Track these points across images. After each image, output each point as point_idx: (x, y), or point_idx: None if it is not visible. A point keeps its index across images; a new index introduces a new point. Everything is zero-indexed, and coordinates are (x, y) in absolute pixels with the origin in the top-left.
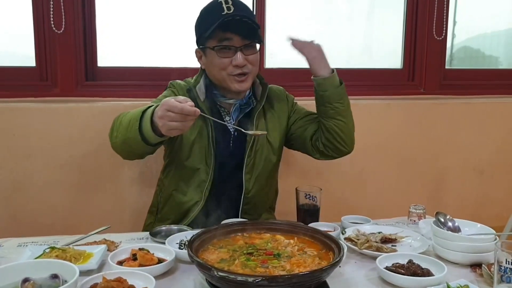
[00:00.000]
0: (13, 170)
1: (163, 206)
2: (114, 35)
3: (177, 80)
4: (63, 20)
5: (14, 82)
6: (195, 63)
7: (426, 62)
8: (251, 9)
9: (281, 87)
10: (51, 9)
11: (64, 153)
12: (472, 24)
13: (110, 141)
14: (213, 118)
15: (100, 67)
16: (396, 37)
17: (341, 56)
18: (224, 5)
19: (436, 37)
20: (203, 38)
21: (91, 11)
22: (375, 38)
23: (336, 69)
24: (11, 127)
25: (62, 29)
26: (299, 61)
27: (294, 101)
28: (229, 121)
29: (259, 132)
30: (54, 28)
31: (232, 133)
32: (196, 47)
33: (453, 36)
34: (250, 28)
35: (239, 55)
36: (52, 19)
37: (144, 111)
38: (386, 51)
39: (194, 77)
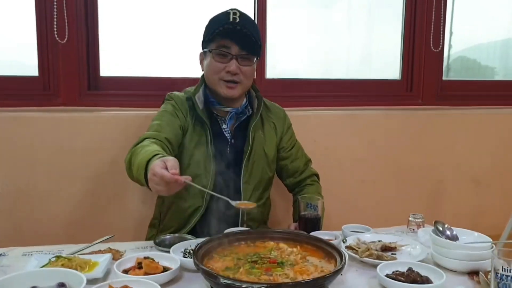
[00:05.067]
0: (16, 180)
1: (165, 215)
2: (117, 45)
3: (175, 92)
4: (66, 30)
5: (17, 91)
6: (197, 74)
7: (424, 73)
8: (256, 25)
9: (282, 107)
10: (55, 19)
11: (67, 163)
12: (468, 35)
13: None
14: (204, 189)
15: (103, 76)
16: (395, 48)
17: (340, 66)
18: (231, 15)
19: (433, 49)
20: (205, 41)
21: (94, 21)
22: (374, 49)
23: (335, 79)
24: (14, 136)
25: (66, 39)
26: (299, 72)
27: (291, 126)
28: (224, 129)
29: (248, 205)
30: (57, 38)
31: (229, 140)
32: (201, 50)
33: (450, 46)
34: (249, 41)
35: (233, 62)
36: (55, 29)
37: (148, 161)
38: (385, 62)
39: (195, 86)
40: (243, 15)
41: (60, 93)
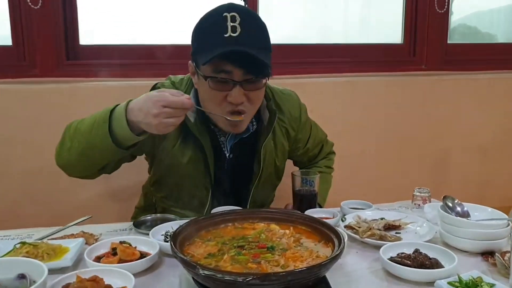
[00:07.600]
0: None
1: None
2: (96, 11)
3: (165, 83)
4: None
5: None
6: (180, 40)
7: (427, 36)
8: (263, 27)
9: (293, 93)
10: None
11: (45, 138)
12: (468, 1)
13: (56, 157)
14: (207, 111)
15: (82, 45)
16: (395, 11)
17: (338, 30)
18: (229, 23)
19: (438, 10)
20: (196, 57)
21: None
22: (373, 12)
23: (334, 44)
24: None
25: (39, 4)
26: (295, 37)
27: (308, 118)
28: (222, 142)
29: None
30: (30, 4)
31: (227, 156)
32: (191, 59)
33: (451, 13)
34: (256, 62)
35: (237, 90)
36: None
37: (112, 111)
38: (385, 25)
39: (183, 88)
40: (244, 20)
41: (36, 63)
